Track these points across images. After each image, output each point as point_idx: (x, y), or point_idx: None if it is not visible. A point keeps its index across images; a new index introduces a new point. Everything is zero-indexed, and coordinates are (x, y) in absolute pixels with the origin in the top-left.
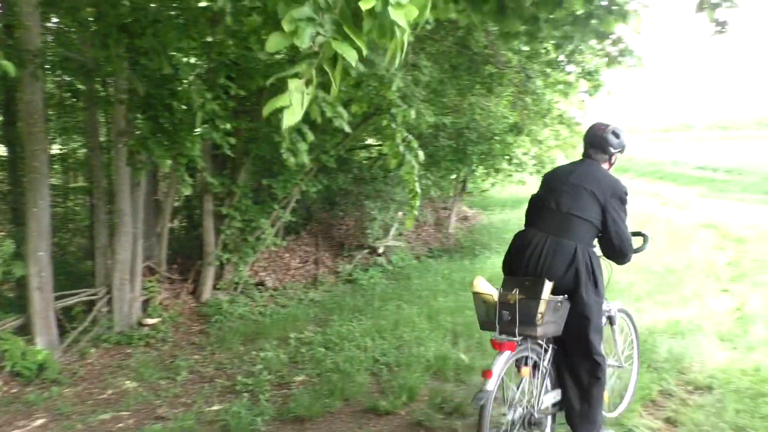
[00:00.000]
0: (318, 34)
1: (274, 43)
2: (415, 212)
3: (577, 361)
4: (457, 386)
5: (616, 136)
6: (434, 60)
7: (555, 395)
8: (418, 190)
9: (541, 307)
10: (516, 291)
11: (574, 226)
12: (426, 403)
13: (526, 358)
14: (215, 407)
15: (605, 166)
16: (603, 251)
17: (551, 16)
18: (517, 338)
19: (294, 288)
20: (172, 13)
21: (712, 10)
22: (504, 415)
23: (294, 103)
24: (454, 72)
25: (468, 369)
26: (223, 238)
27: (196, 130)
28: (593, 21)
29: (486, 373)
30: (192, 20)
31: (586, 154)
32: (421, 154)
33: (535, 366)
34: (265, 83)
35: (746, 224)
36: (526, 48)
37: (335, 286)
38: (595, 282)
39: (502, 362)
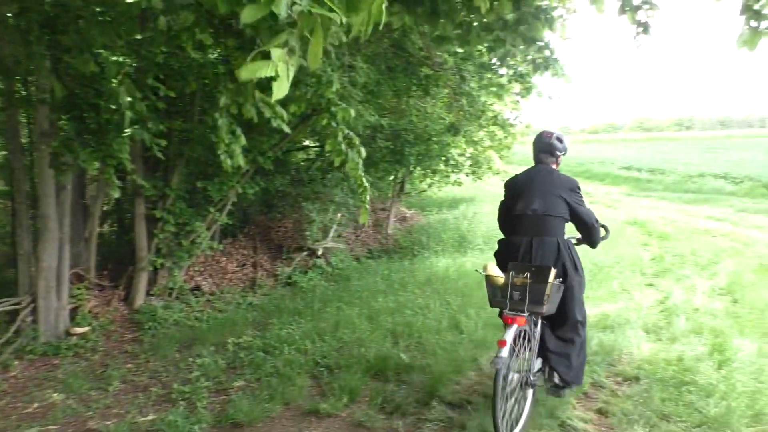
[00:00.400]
0: (294, 2)
1: (249, 13)
2: (367, 206)
3: (563, 328)
4: (398, 386)
5: (560, 141)
6: (370, 62)
7: (539, 362)
8: (367, 184)
9: (548, 289)
10: (527, 275)
11: (551, 224)
12: (367, 404)
13: (524, 331)
14: (150, 417)
15: (554, 166)
16: (581, 234)
17: (483, 20)
18: (526, 314)
19: (232, 292)
20: (98, 9)
21: (634, 12)
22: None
23: (281, 74)
24: (390, 73)
25: (408, 369)
26: (156, 243)
27: (125, 131)
28: (522, 27)
29: (501, 343)
30: (119, 17)
31: (537, 160)
32: (363, 150)
33: (527, 338)
34: (195, 86)
35: (668, 221)
36: (460, 50)
37: (274, 289)
38: (576, 266)
39: (512, 334)
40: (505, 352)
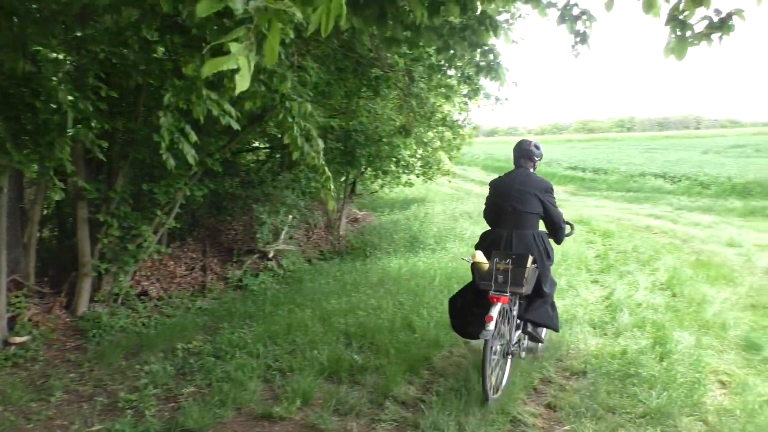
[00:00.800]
0: None
1: (205, 6)
2: (333, 194)
3: (538, 303)
4: (351, 387)
5: (537, 148)
6: (320, 62)
7: (517, 335)
8: (329, 173)
9: (527, 273)
10: (509, 262)
11: (527, 220)
12: (320, 406)
13: (504, 308)
14: (95, 427)
15: (531, 169)
16: (548, 230)
17: (431, 24)
18: (508, 294)
19: (180, 297)
20: (34, 6)
21: (573, 22)
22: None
23: (242, 67)
24: (340, 74)
25: (362, 369)
26: (100, 247)
27: (68, 131)
28: (467, 31)
29: (488, 318)
30: (57, 14)
31: (518, 164)
32: (320, 142)
33: (506, 315)
34: (142, 81)
35: (611, 219)
36: (410, 52)
37: (225, 293)
38: (547, 254)
39: (497, 311)
40: (491, 326)
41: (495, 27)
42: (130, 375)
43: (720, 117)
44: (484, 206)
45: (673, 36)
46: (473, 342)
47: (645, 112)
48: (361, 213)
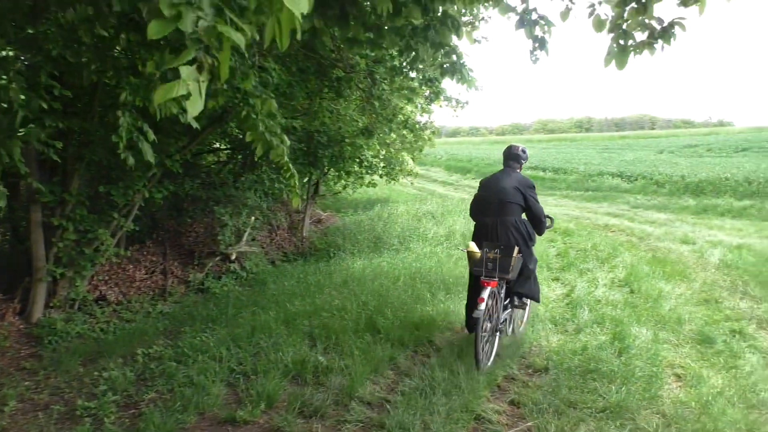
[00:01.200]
0: (199, 18)
1: (155, 29)
2: (297, 191)
3: (522, 278)
4: (316, 389)
5: (524, 152)
6: (281, 63)
7: (505, 314)
8: (294, 171)
9: (513, 262)
10: (497, 251)
11: (510, 208)
12: (285, 409)
13: (493, 290)
14: None
15: (518, 170)
16: (531, 223)
17: (393, 24)
18: (497, 279)
19: (140, 301)
20: None
21: (531, 27)
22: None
23: (193, 92)
24: (301, 75)
25: (326, 371)
26: (55, 252)
27: (19, 131)
28: (430, 32)
29: (480, 299)
30: (6, 11)
31: (506, 165)
32: (286, 138)
33: (495, 297)
34: (97, 78)
35: (571, 218)
36: (372, 53)
37: (186, 297)
38: (529, 237)
39: (488, 293)
40: (483, 306)
41: (457, 27)
42: (88, 382)
43: (673, 117)
44: (471, 201)
45: (615, 45)
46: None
47: (602, 113)
48: (325, 214)
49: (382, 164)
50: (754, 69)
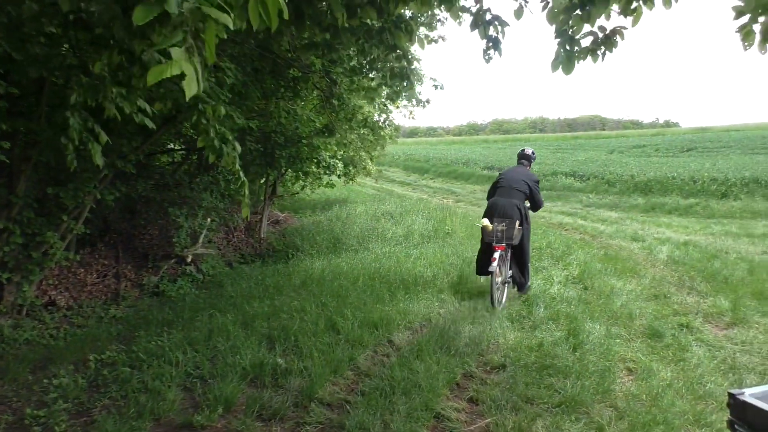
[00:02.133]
0: (183, 0)
1: (141, 14)
2: (247, 200)
3: (519, 255)
4: (275, 391)
5: (533, 153)
6: (236, 62)
7: (510, 272)
8: (245, 179)
9: (515, 231)
10: (504, 224)
11: (515, 194)
12: (243, 412)
13: (502, 253)
14: None
15: (528, 167)
16: (531, 206)
17: (349, 25)
18: (504, 244)
19: (92, 305)
20: None
21: (486, 27)
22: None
23: (187, 72)
24: (256, 75)
25: (285, 373)
26: (1, 256)
27: None
28: (385, 34)
29: (492, 258)
30: None
31: (519, 162)
32: (237, 146)
33: (503, 258)
34: (44, 75)
35: None
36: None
37: (140, 300)
38: (526, 218)
39: (498, 254)
40: (495, 263)
41: (410, 31)
42: (38, 390)
43: (622, 117)
44: (489, 187)
45: (562, 50)
46: (482, 278)
47: (555, 114)
48: (283, 215)
49: (340, 164)
50: (698, 71)
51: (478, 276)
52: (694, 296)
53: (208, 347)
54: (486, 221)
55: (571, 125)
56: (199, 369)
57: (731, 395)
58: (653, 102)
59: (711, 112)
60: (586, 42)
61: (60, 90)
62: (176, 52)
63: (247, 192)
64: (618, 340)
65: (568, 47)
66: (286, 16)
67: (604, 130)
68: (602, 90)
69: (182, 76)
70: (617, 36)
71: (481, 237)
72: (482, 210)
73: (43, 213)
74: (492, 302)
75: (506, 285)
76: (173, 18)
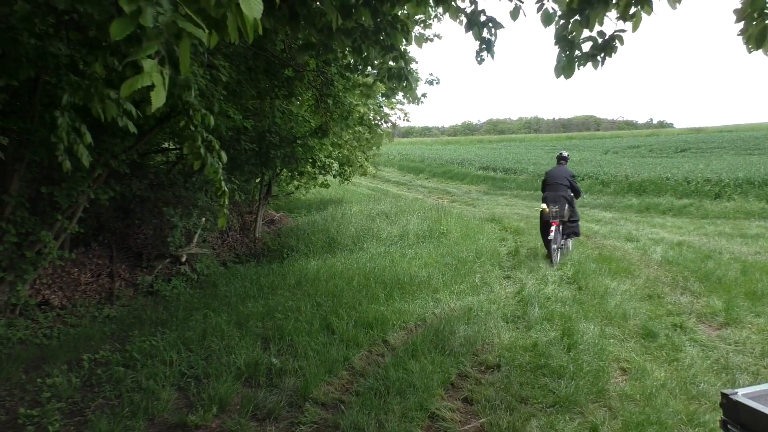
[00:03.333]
0: (159, 13)
1: (118, 28)
2: (226, 211)
3: (568, 227)
4: (270, 391)
5: (567, 155)
6: (230, 61)
7: (562, 241)
8: (226, 188)
9: (564, 212)
10: (556, 207)
11: (562, 187)
12: (238, 412)
13: (556, 227)
14: None
15: (565, 164)
16: (573, 194)
17: (344, 26)
18: (558, 220)
19: (86, 305)
20: None
21: (480, 29)
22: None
23: (157, 84)
24: (251, 74)
25: (280, 372)
26: None
27: None
28: (381, 35)
29: (549, 230)
30: None
31: (559, 162)
32: (223, 155)
33: (558, 230)
34: (36, 75)
35: (521, 217)
36: (322, 54)
37: (134, 300)
38: (572, 201)
39: (554, 228)
40: (553, 233)
41: (407, 32)
42: (31, 389)
43: (617, 118)
44: (541, 182)
45: (563, 55)
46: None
47: (550, 114)
48: (278, 215)
49: (335, 164)
50: (692, 72)
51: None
52: (687, 296)
53: (203, 347)
54: (544, 206)
55: (565, 125)
56: (194, 368)
57: (724, 395)
58: (648, 102)
59: (705, 113)
60: (585, 47)
61: (53, 89)
62: (148, 64)
63: (226, 202)
64: (612, 341)
65: (568, 52)
66: (260, 31)
67: (598, 130)
68: (597, 91)
69: (152, 87)
70: (616, 41)
71: (540, 217)
72: (477, 210)
73: (37, 212)
74: (552, 262)
75: (559, 250)
76: (148, 31)
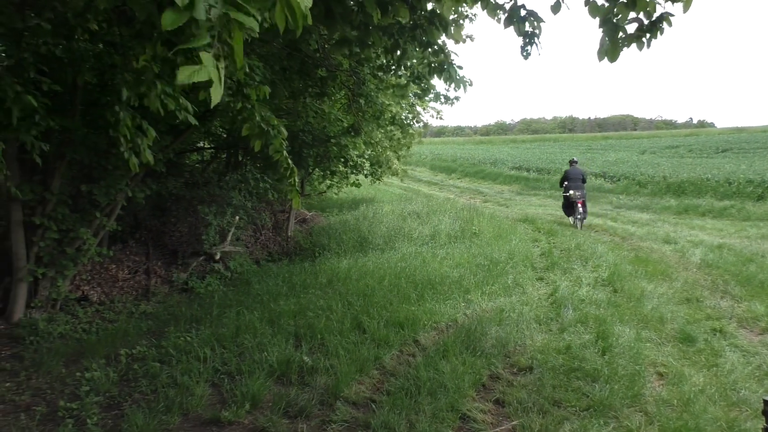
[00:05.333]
0: (210, 6)
1: (169, 19)
2: (297, 189)
3: (585, 204)
4: (301, 389)
5: (576, 160)
6: (265, 61)
7: (581, 214)
8: (293, 165)
9: (585, 195)
10: (579, 192)
11: (578, 180)
12: (270, 409)
13: (582, 204)
14: None
15: (577, 165)
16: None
17: (380, 23)
18: (581, 200)
19: (123, 301)
20: None
21: (521, 24)
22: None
23: (214, 79)
24: (285, 74)
25: (312, 371)
26: (36, 251)
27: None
28: (418, 31)
29: (577, 206)
30: None
31: (572, 164)
32: (283, 129)
33: (584, 205)
34: (86, 77)
35: (555, 218)
36: (357, 50)
37: (170, 296)
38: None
39: (581, 205)
40: (581, 208)
41: (445, 26)
42: (71, 383)
43: (655, 118)
44: (561, 177)
45: (607, 38)
46: (569, 218)
47: (586, 113)
48: (310, 214)
49: (367, 164)
50: (735, 70)
51: (567, 216)
52: (728, 300)
53: (236, 344)
54: (571, 192)
55: (601, 125)
56: (227, 365)
57: (767, 402)
58: (687, 102)
59: (748, 112)
60: (630, 29)
61: (94, 88)
62: (206, 57)
63: (296, 180)
64: (648, 344)
65: (612, 35)
66: (309, 21)
67: (635, 130)
68: (634, 89)
69: (209, 83)
70: (664, 22)
71: (565, 199)
72: (510, 210)
73: (77, 210)
74: (576, 226)
75: (579, 220)
76: (201, 23)
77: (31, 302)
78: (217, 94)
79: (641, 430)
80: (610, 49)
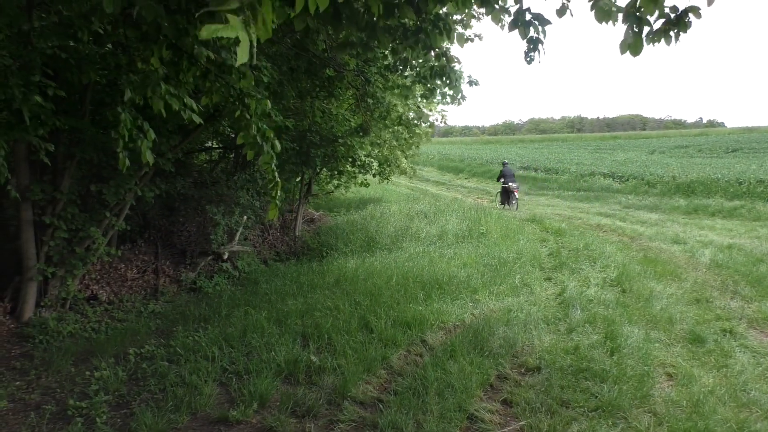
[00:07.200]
0: None
1: None
2: (278, 202)
3: (517, 193)
4: (309, 388)
5: (508, 161)
6: (272, 62)
7: (515, 200)
8: (278, 179)
9: (518, 186)
10: (515, 184)
11: (513, 177)
12: (278, 408)
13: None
14: None
15: (509, 166)
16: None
17: (385, 24)
18: (516, 189)
19: (132, 300)
20: None
21: (525, 28)
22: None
23: (242, 39)
24: (292, 74)
25: (319, 370)
26: (46, 250)
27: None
28: (421, 35)
29: (514, 194)
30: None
31: (505, 165)
32: (277, 144)
33: (514, 193)
34: (95, 78)
35: (563, 218)
36: (362, 53)
37: (178, 296)
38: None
39: (516, 192)
40: (516, 195)
41: (449, 31)
42: (80, 382)
43: (664, 118)
44: (498, 175)
45: (630, 32)
46: (505, 205)
47: (594, 113)
48: (317, 213)
49: (375, 163)
50: (745, 70)
51: (501, 204)
52: (738, 301)
53: (244, 343)
54: (510, 184)
55: (610, 125)
56: (235, 364)
57: None
58: (697, 101)
59: (758, 112)
60: (657, 24)
61: (102, 89)
62: (233, 20)
63: (278, 193)
64: (657, 345)
65: (636, 28)
66: (324, 5)
67: (644, 129)
68: (643, 89)
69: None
70: (690, 15)
71: (504, 189)
72: (518, 210)
73: (87, 209)
74: (513, 208)
75: (515, 204)
76: None
77: (41, 301)
78: (244, 53)
79: (650, 431)
80: (633, 44)
